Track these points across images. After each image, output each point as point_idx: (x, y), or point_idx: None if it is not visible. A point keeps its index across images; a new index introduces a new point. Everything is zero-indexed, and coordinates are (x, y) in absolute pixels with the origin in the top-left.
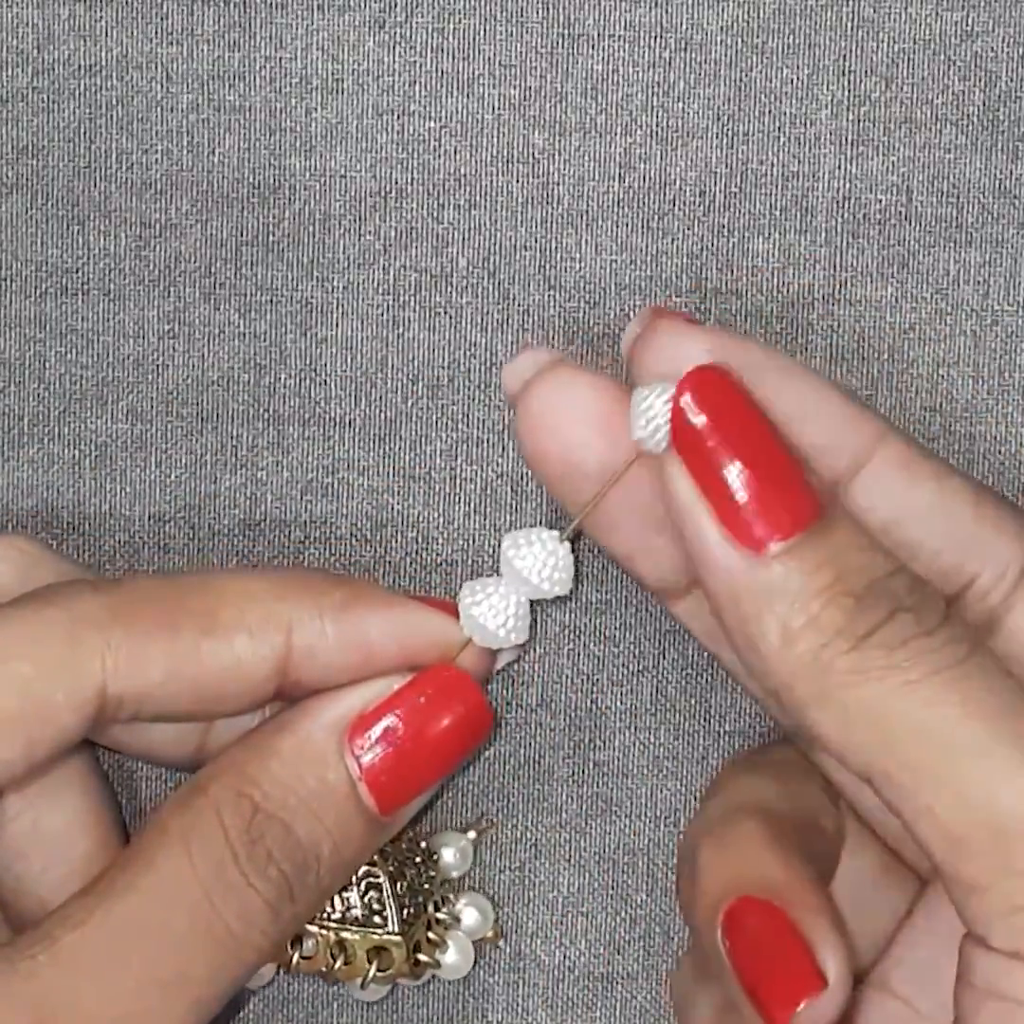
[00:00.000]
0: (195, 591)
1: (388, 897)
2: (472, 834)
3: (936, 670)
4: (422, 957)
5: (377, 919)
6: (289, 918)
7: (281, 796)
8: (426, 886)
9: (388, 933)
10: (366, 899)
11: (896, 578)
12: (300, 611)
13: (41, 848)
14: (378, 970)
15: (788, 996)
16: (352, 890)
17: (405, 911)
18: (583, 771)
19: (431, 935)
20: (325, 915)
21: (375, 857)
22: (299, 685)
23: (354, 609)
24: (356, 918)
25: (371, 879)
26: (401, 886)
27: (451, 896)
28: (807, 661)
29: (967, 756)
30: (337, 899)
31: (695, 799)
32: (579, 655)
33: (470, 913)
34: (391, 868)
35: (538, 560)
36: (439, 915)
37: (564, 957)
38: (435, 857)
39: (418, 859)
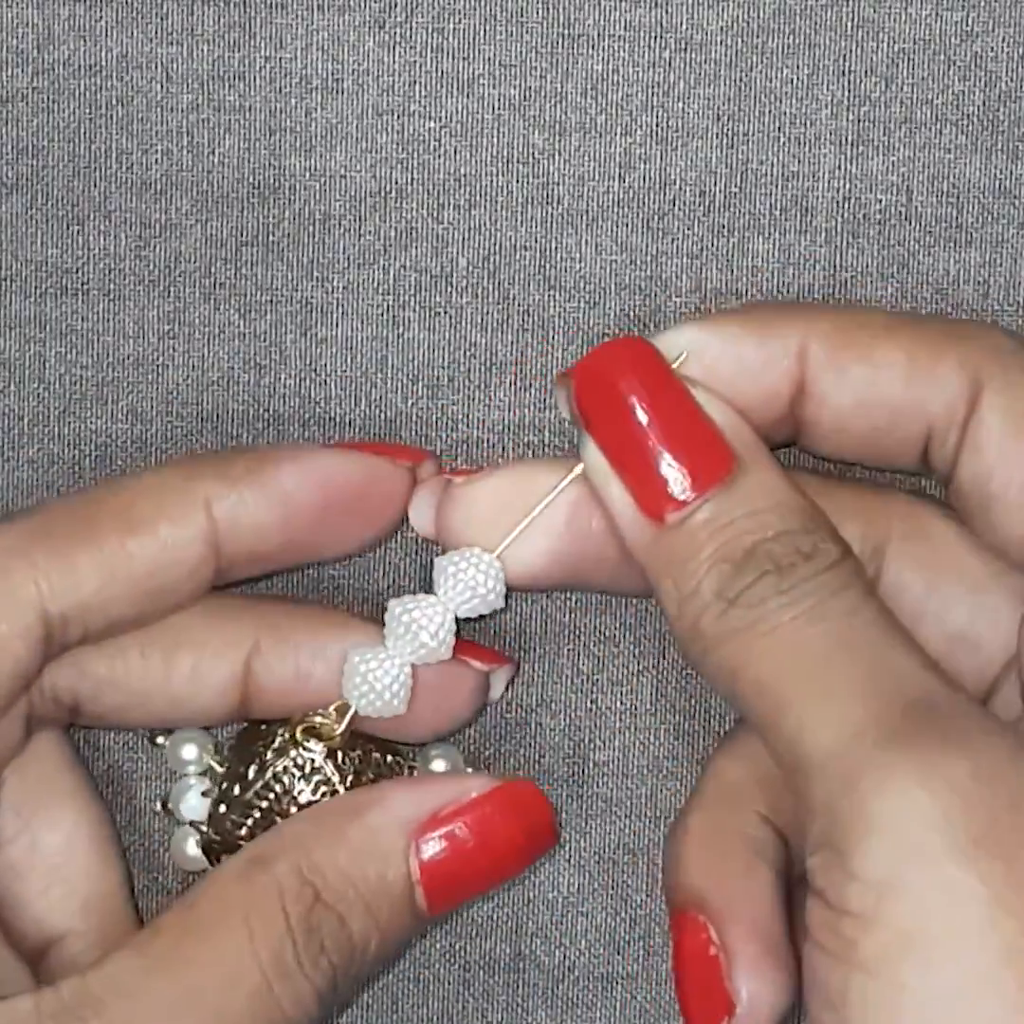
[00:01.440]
0: (108, 496)
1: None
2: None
3: (774, 628)
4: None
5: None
6: (330, 1005)
7: (342, 888)
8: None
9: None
10: (319, 795)
11: (779, 540)
12: (213, 485)
13: (40, 868)
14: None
15: (702, 1017)
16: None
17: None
18: (583, 771)
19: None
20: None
21: (332, 770)
22: (238, 559)
23: (264, 469)
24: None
25: (324, 788)
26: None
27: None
28: (688, 626)
29: (788, 705)
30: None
31: None
32: (579, 655)
33: (438, 764)
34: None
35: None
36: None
37: (564, 957)
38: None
39: (387, 758)
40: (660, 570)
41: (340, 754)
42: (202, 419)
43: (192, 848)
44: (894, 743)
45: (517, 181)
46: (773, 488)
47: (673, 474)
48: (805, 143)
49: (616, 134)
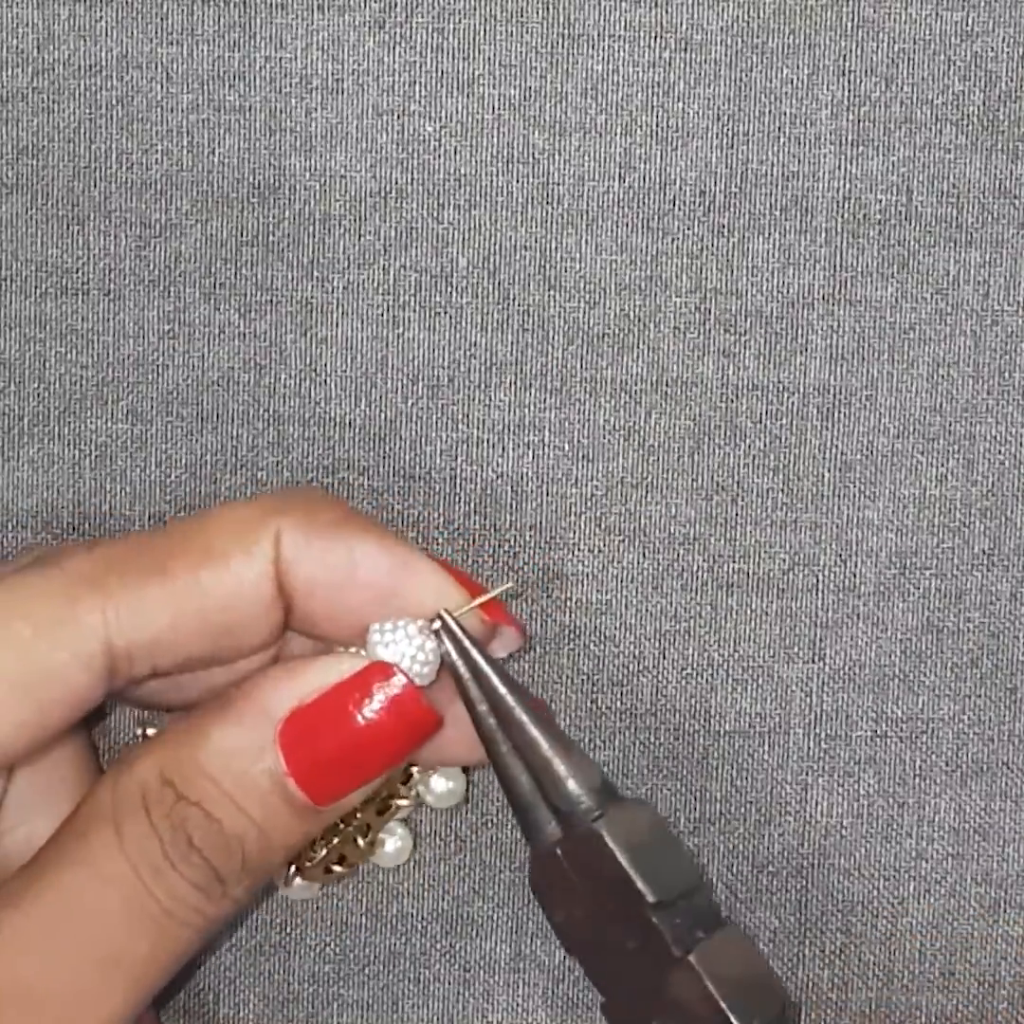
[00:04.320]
0: (187, 529)
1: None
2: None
3: None
4: (338, 869)
5: None
6: (221, 897)
7: (203, 785)
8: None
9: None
10: None
11: None
12: (289, 523)
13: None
14: (297, 868)
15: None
16: None
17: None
18: None
19: (359, 841)
20: None
21: None
22: (295, 606)
23: (344, 529)
24: None
25: None
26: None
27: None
28: None
29: None
30: None
31: (695, 799)
32: (579, 655)
33: (439, 781)
34: None
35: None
36: (360, 841)
37: (564, 957)
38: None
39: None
40: None
41: None
42: (202, 419)
43: None
44: None
45: (517, 181)
46: None
47: None
48: (805, 143)
49: (616, 134)
